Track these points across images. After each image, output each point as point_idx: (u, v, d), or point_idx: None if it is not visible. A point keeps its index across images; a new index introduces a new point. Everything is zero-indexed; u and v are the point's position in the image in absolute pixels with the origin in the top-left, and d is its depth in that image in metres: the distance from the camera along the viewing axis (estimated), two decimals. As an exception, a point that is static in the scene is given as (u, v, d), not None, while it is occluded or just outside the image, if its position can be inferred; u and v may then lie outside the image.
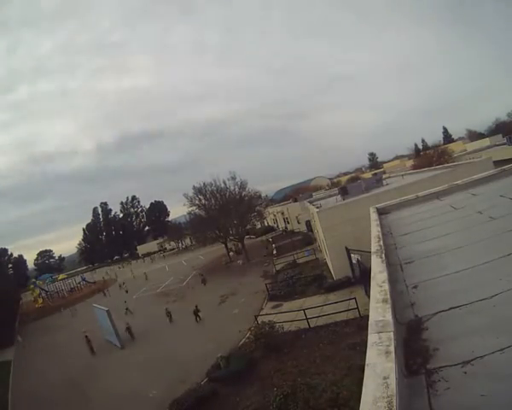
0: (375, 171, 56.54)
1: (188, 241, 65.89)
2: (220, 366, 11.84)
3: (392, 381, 1.45)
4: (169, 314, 20.15)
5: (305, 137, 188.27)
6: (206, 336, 15.84)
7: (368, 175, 48.67)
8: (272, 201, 63.21)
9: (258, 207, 37.20)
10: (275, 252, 31.47)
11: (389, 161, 71.40)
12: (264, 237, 45.33)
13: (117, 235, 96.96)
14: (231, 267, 32.57)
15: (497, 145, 34.47)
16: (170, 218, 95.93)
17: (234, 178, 34.47)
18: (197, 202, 35.53)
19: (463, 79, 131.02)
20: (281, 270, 23.74)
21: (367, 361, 1.66)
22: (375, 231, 4.57)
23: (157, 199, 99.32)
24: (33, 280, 58.50)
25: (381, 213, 6.35)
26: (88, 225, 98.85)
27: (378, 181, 21.85)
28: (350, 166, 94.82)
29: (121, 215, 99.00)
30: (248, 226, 38.62)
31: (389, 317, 1.96)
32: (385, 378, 1.48)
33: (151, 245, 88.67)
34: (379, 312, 2.07)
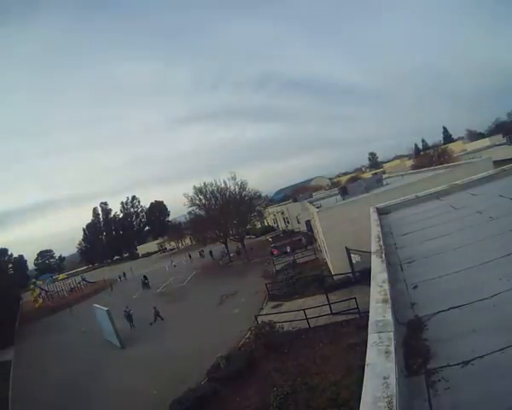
0: (375, 171, 56.63)
1: (188, 241, 65.85)
2: (220, 366, 11.84)
3: (392, 381, 1.45)
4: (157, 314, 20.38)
5: (305, 136, 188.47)
6: (206, 335, 15.84)
7: (368, 175, 48.69)
8: (272, 201, 63.27)
9: (258, 207, 37.21)
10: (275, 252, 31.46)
11: (389, 161, 71.42)
12: (264, 237, 45.32)
13: (117, 235, 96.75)
14: (232, 267, 32.58)
15: (497, 145, 34.51)
16: (170, 218, 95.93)
17: (234, 178, 34.56)
18: (197, 201, 35.55)
19: (463, 79, 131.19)
20: (281, 270, 23.73)
21: (367, 361, 1.66)
22: (375, 231, 4.58)
23: (157, 199, 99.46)
24: (33, 280, 58.37)
25: (381, 213, 6.35)
26: (88, 225, 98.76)
27: (378, 181, 21.86)
28: (350, 166, 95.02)
29: (121, 215, 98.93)
30: (248, 226, 38.64)
31: (389, 317, 1.97)
32: (385, 378, 1.48)
33: (151, 245, 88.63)
34: (379, 312, 2.07)
